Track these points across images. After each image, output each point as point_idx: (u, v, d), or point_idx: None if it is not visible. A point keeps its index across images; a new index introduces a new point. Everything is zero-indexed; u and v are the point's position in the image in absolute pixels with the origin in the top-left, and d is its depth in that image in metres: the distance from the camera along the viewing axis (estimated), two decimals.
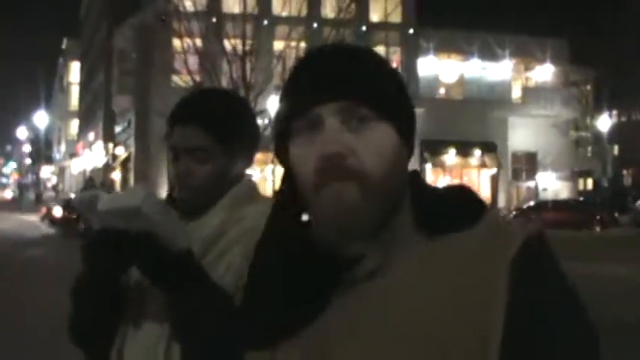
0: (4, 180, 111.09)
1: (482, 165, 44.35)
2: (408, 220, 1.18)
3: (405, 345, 1.07)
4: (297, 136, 1.18)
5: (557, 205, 36.59)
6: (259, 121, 28.79)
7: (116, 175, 46.74)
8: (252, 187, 2.00)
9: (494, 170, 44.27)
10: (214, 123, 1.88)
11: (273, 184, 34.67)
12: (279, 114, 1.24)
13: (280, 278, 1.23)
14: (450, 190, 1.24)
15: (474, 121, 42.20)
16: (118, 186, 45.37)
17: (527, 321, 1.05)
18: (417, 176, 1.26)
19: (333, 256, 1.16)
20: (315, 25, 33.56)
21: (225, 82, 28.79)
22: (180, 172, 1.89)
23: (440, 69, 44.34)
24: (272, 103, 30.04)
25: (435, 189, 1.25)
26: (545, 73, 44.87)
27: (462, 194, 1.22)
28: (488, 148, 43.28)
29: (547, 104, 43.31)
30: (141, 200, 1.63)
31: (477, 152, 43.77)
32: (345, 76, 1.15)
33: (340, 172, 1.11)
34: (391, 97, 1.18)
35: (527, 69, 45.42)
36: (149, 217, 1.63)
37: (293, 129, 1.19)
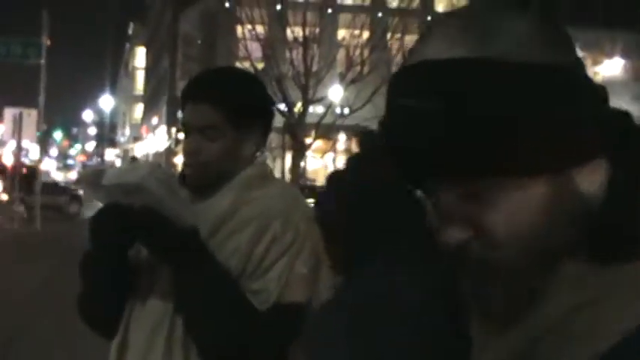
0: (70, 161, 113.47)
1: None
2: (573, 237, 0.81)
3: None
4: None
5: None
6: (319, 109, 28.86)
7: (178, 159, 47.29)
8: (264, 170, 1.97)
9: None
10: (225, 101, 1.86)
11: None
12: None
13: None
14: None
15: None
16: (179, 169, 45.87)
17: None
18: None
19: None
20: (379, 14, 33.33)
21: (286, 69, 28.87)
22: (190, 149, 1.88)
23: None
24: (333, 91, 30.01)
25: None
26: (614, 67, 44.01)
27: None
28: None
29: (616, 99, 42.27)
30: (142, 177, 1.63)
31: None
32: None
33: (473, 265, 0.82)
34: None
35: (595, 63, 44.65)
36: (152, 194, 1.63)
37: None
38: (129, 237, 1.76)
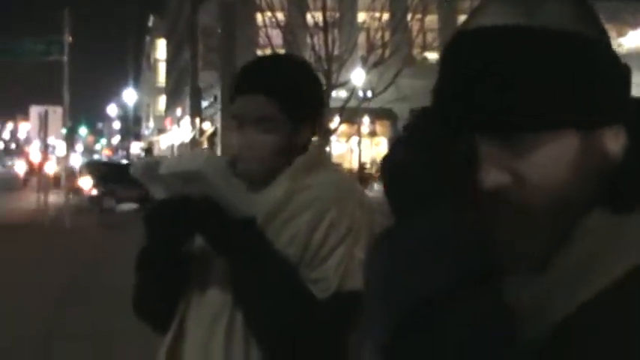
0: (96, 156, 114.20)
1: None
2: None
3: None
4: None
5: None
6: (342, 93, 28.73)
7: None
8: (317, 156, 1.92)
9: None
10: (279, 91, 1.81)
11: (359, 157, 34.65)
12: None
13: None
14: None
15: None
16: None
17: None
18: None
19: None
20: None
21: (307, 55, 28.81)
22: (245, 142, 1.83)
23: None
24: (356, 75, 29.94)
25: None
26: (639, 38, 43.44)
27: None
28: None
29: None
30: (201, 165, 1.61)
31: None
32: None
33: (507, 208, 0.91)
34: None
35: (619, 35, 44.10)
36: (210, 182, 1.61)
37: None
38: (188, 230, 1.74)
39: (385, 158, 1.04)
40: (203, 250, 1.81)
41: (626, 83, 0.95)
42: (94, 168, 29.77)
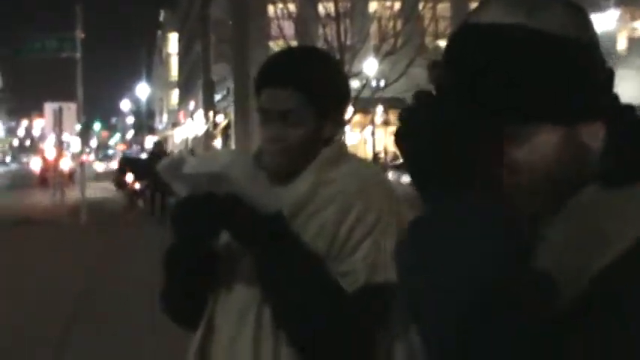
0: (110, 151, 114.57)
1: None
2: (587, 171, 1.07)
3: None
4: None
5: None
6: (355, 83, 28.59)
7: (217, 143, 47.53)
8: (341, 148, 1.92)
9: None
10: (306, 84, 1.80)
11: (373, 147, 34.61)
12: None
13: None
14: None
15: None
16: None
17: None
18: (630, 111, 1.11)
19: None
20: None
21: (320, 46, 28.77)
22: (272, 136, 1.82)
23: None
24: (368, 65, 29.88)
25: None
26: None
27: None
28: None
29: None
30: (224, 166, 1.62)
31: None
32: None
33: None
34: None
35: (633, 19, 43.76)
36: (235, 181, 1.62)
37: None
38: (214, 226, 1.73)
39: (404, 133, 1.05)
40: (230, 247, 1.80)
41: (609, 86, 1.08)
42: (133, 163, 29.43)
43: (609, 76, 1.09)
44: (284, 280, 1.71)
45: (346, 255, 1.75)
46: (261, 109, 1.84)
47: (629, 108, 1.10)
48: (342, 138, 1.96)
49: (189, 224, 1.74)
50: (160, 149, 22.24)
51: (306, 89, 1.80)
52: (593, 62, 1.05)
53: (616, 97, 1.10)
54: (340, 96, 1.91)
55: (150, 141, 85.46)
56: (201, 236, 1.76)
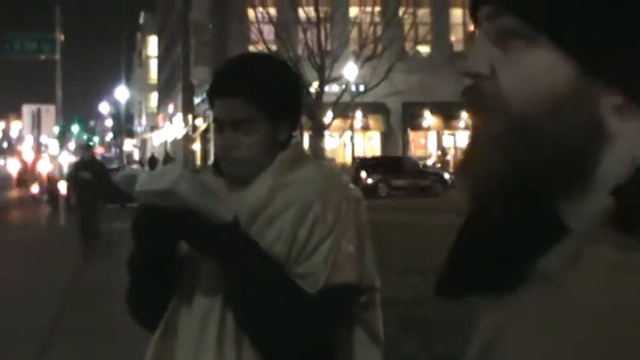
0: None
1: None
2: (600, 204, 0.78)
3: None
4: None
5: None
6: (335, 88, 28.51)
7: (196, 146, 47.43)
8: (299, 151, 1.95)
9: None
10: (255, 92, 1.83)
11: (352, 152, 34.64)
12: None
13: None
14: None
15: None
16: (198, 156, 46.05)
17: None
18: None
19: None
20: None
21: (300, 50, 28.81)
22: (226, 145, 1.86)
23: None
24: (348, 70, 29.93)
25: None
26: None
27: None
28: None
29: None
30: (171, 183, 1.65)
31: None
32: None
33: (475, 98, 0.86)
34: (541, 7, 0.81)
35: None
36: (184, 197, 1.65)
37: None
38: (167, 239, 1.77)
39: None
40: (191, 255, 1.82)
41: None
42: None
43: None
44: (243, 286, 1.74)
45: (306, 257, 1.77)
46: (214, 119, 1.89)
47: None
48: (299, 141, 1.99)
49: (143, 236, 1.78)
50: (88, 158, 15.09)
51: (255, 97, 1.82)
52: None
53: None
54: (292, 100, 1.93)
55: (128, 144, 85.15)
56: (155, 246, 1.79)
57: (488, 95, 0.84)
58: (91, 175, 14.07)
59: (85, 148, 16.33)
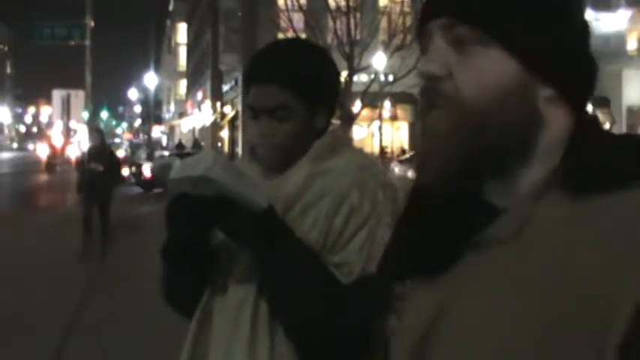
0: (117, 140, 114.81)
1: None
2: (548, 173, 0.96)
3: (531, 318, 0.88)
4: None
5: None
6: (364, 77, 28.56)
7: (224, 133, 47.57)
8: (336, 139, 1.91)
9: (607, 126, 42.57)
10: (292, 79, 1.80)
11: (380, 141, 34.59)
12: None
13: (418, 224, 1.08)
14: (624, 140, 1.00)
15: None
16: (226, 143, 46.26)
17: None
18: (586, 123, 1.03)
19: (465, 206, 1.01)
20: None
21: (329, 39, 28.73)
22: (262, 132, 1.83)
23: None
24: (377, 59, 29.85)
25: (611, 139, 1.01)
26: None
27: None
28: (601, 103, 41.55)
29: None
30: (205, 169, 1.62)
31: (589, 107, 42.22)
32: None
33: (432, 97, 1.00)
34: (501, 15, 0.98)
35: None
36: (219, 184, 1.62)
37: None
38: (202, 227, 1.73)
39: None
40: (226, 243, 1.80)
41: (585, 44, 1.02)
42: None
43: (584, 29, 1.03)
44: (277, 274, 1.72)
45: (341, 246, 1.76)
46: (250, 105, 1.86)
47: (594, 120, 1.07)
48: (341, 128, 1.93)
49: (177, 224, 1.74)
50: (97, 143, 13.10)
51: (293, 84, 1.81)
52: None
53: (591, 78, 1.05)
54: (329, 86, 1.91)
55: (157, 130, 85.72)
56: (189, 234, 1.76)
57: (444, 94, 0.98)
58: (102, 167, 12.40)
59: (96, 132, 13.94)
